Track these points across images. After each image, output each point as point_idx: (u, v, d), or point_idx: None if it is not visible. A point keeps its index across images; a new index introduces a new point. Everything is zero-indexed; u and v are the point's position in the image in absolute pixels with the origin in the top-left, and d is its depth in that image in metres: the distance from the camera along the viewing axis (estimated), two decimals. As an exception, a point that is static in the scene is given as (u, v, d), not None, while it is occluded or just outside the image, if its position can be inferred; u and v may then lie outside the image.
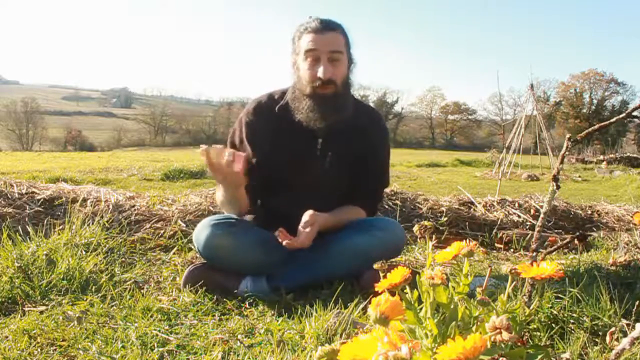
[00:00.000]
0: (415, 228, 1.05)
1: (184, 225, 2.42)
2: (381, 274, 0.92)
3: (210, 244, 1.62)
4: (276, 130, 1.74)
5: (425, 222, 1.04)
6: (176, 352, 1.18)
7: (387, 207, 3.02)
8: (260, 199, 1.82)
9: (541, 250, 1.45)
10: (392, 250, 1.76)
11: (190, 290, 1.60)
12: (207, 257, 1.67)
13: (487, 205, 3.16)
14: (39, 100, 53.04)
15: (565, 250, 2.41)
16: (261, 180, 1.75)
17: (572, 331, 1.26)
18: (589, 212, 3.30)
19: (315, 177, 1.76)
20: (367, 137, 1.80)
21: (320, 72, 1.62)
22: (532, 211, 3.04)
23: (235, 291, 1.61)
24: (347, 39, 1.70)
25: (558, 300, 1.37)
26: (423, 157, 15.47)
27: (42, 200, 2.64)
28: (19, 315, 1.41)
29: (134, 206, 2.62)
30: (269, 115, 1.75)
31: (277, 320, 1.39)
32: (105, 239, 2.08)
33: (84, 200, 2.66)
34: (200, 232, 1.64)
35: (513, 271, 0.93)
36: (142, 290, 1.65)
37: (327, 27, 1.64)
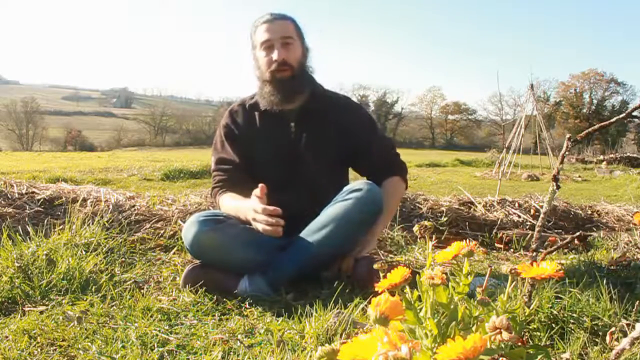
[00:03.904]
0: (415, 228, 1.04)
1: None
2: (381, 274, 0.92)
3: (197, 240, 1.63)
4: (250, 126, 1.87)
5: (425, 222, 1.04)
6: (176, 352, 1.18)
7: (387, 207, 3.01)
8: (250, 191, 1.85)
9: (541, 250, 1.45)
10: (371, 207, 1.69)
11: (190, 290, 1.60)
12: (194, 254, 1.69)
13: (487, 205, 3.16)
14: (39, 100, 53.08)
15: (565, 250, 2.41)
16: (248, 175, 1.84)
17: (572, 331, 1.26)
18: (589, 212, 3.30)
19: (293, 161, 1.81)
20: (342, 113, 1.88)
21: (275, 55, 1.76)
22: (532, 211, 3.03)
23: (235, 291, 1.61)
24: (298, 28, 1.83)
25: (558, 300, 1.36)
26: (423, 157, 15.46)
27: (42, 200, 2.64)
28: (19, 315, 1.41)
29: (134, 206, 2.62)
30: (243, 115, 1.90)
31: (277, 320, 1.39)
32: (105, 239, 2.08)
33: (84, 200, 2.66)
34: (188, 229, 1.66)
35: (513, 271, 0.93)
36: (142, 290, 1.65)
37: (277, 17, 1.80)
